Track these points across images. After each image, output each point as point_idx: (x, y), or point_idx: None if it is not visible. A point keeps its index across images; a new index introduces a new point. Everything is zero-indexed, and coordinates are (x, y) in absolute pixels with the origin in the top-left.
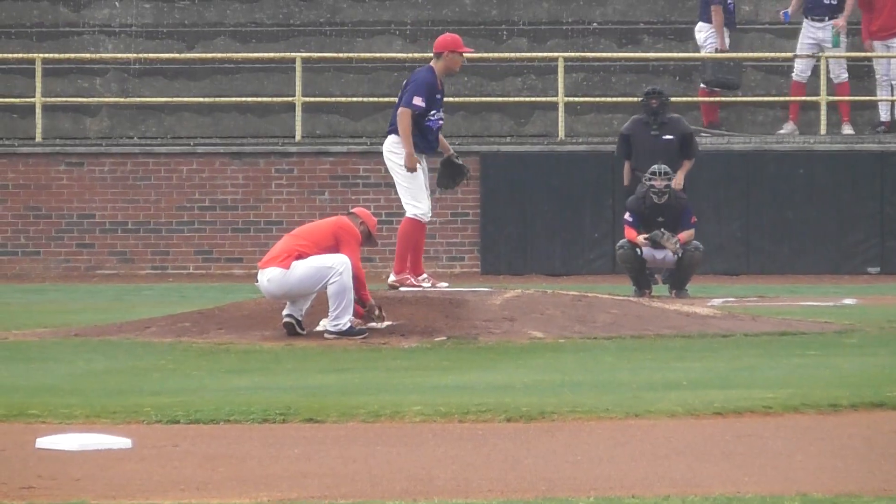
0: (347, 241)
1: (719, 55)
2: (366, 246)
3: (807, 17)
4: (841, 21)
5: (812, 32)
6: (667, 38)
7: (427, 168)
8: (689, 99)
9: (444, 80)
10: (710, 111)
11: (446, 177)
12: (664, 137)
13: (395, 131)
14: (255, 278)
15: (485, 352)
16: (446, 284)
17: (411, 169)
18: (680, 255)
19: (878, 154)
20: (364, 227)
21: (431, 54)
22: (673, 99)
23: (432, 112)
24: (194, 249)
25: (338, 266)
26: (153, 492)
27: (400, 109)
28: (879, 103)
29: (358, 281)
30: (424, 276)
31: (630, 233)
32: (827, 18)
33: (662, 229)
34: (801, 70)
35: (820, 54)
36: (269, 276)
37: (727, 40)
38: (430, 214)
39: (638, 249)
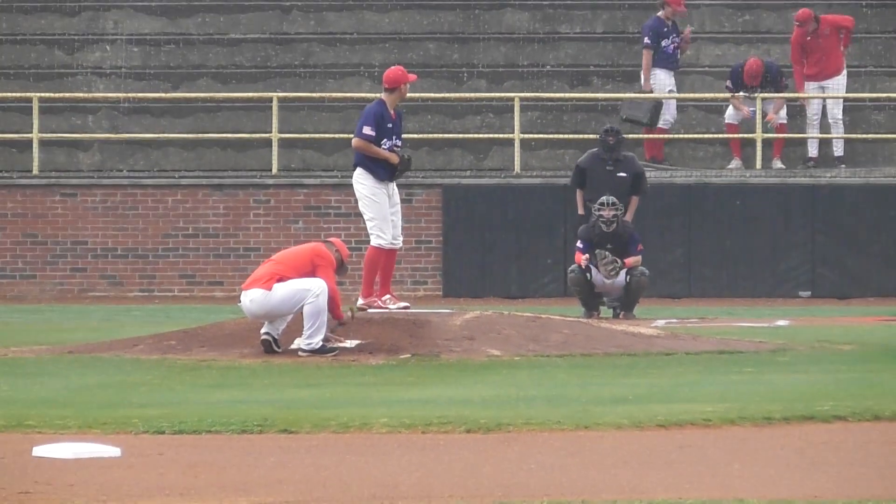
0: (324, 267)
1: (640, 95)
2: (338, 274)
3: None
4: (772, 115)
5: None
6: (615, 79)
7: (398, 195)
8: (635, 136)
9: (400, 112)
10: (652, 147)
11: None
12: (618, 174)
13: (360, 164)
14: (238, 300)
15: (446, 368)
16: (406, 304)
17: (393, 160)
18: (611, 279)
19: (810, 187)
20: (338, 255)
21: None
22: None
23: (384, 140)
24: (179, 273)
25: (315, 289)
26: (140, 496)
27: (353, 142)
28: (809, 140)
29: (333, 301)
30: (388, 296)
31: (579, 258)
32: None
33: (605, 252)
34: (733, 115)
35: (755, 95)
36: (252, 297)
37: (661, 81)
38: (400, 241)
39: (587, 273)
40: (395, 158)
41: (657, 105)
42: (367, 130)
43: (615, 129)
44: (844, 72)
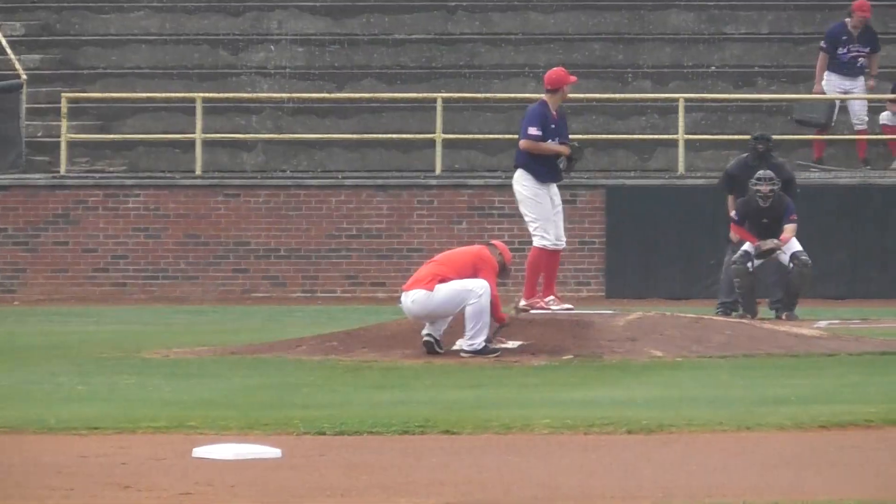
0: (485, 271)
1: (805, 97)
2: (500, 278)
3: None
4: None
5: None
6: (780, 80)
7: (559, 196)
8: (801, 137)
9: (563, 112)
10: (819, 147)
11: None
12: None
13: (521, 166)
14: (399, 300)
15: (608, 369)
16: (570, 306)
17: (564, 153)
18: (778, 247)
19: None
20: (501, 258)
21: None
22: (783, 137)
23: (548, 141)
24: (342, 274)
25: (478, 289)
26: (302, 497)
27: (520, 143)
28: None
29: (493, 305)
30: (552, 298)
31: (737, 229)
32: None
33: (759, 245)
34: (888, 117)
35: None
36: (414, 298)
37: (831, 84)
38: (563, 242)
39: (750, 263)
40: (566, 150)
41: (832, 106)
42: (532, 131)
43: (765, 137)
44: None
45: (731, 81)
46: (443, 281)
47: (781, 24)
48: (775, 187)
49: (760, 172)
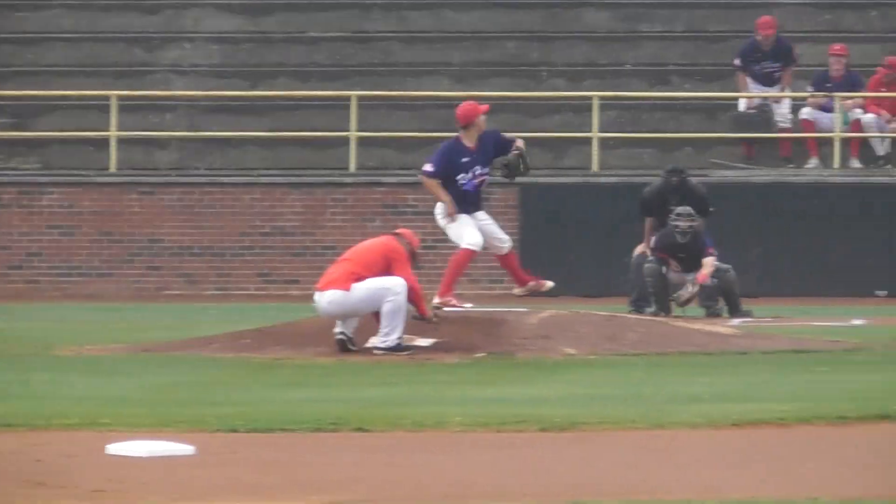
0: (399, 262)
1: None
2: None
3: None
4: (849, 102)
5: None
6: (694, 78)
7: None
8: (715, 135)
9: (488, 137)
10: (748, 147)
11: (513, 166)
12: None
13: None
14: (312, 299)
15: (521, 367)
16: (470, 305)
17: (451, 214)
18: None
19: (889, 186)
20: (409, 246)
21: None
22: (699, 135)
23: (460, 175)
24: (255, 272)
25: (395, 287)
26: (215, 495)
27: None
28: (871, 140)
29: (416, 294)
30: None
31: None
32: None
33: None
34: (809, 112)
35: (833, 94)
36: (330, 299)
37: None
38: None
39: (663, 267)
40: (447, 201)
41: (766, 105)
42: (426, 167)
43: (678, 169)
44: None
45: (645, 79)
46: (359, 280)
47: (696, 22)
48: (693, 223)
49: (679, 209)
